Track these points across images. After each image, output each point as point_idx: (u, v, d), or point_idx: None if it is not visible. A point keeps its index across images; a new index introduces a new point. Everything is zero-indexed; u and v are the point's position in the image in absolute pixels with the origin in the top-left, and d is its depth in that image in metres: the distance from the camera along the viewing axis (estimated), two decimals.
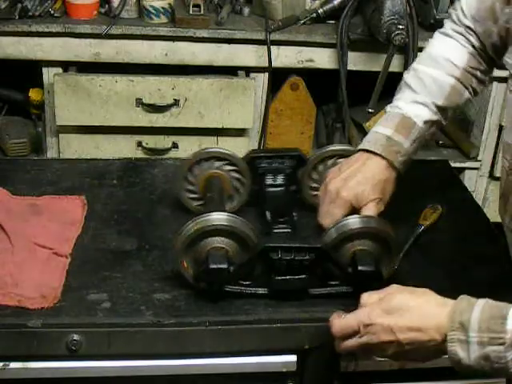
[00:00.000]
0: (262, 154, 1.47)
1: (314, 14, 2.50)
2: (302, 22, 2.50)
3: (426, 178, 1.63)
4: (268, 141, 2.66)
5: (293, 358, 1.25)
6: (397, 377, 1.28)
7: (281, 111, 2.65)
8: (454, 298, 1.14)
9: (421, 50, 2.41)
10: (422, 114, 1.38)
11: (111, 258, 1.34)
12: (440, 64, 1.39)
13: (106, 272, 1.30)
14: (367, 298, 1.12)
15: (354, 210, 1.33)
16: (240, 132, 2.54)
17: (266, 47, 2.42)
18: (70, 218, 1.43)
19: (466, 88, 1.39)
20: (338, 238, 1.25)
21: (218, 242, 1.23)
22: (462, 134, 2.77)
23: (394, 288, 1.11)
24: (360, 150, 1.39)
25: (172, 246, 1.25)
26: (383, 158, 1.35)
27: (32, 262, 1.30)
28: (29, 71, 2.47)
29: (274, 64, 2.46)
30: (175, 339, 1.21)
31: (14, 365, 1.19)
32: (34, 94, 2.51)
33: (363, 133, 2.77)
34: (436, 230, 1.46)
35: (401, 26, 2.27)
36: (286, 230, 1.37)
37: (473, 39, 1.37)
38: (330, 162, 1.46)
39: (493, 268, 1.35)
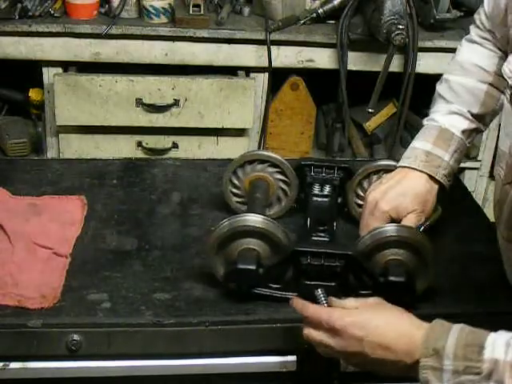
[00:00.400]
0: (312, 163, 1.47)
1: (314, 14, 2.51)
2: (302, 22, 2.50)
3: None
4: (268, 141, 2.66)
5: (293, 358, 1.24)
6: (397, 377, 1.28)
7: (281, 111, 2.66)
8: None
9: (421, 50, 2.47)
10: (458, 125, 1.38)
11: (111, 258, 1.34)
12: (470, 71, 1.39)
13: (106, 272, 1.30)
14: (346, 300, 1.10)
15: (394, 222, 1.31)
16: (240, 132, 2.54)
17: (266, 47, 2.43)
18: (70, 218, 1.43)
19: (501, 92, 1.39)
20: (371, 245, 1.23)
21: (250, 243, 1.23)
22: None
23: (375, 300, 1.09)
24: (400, 167, 1.38)
25: (204, 243, 1.26)
26: (424, 172, 1.35)
27: (32, 262, 1.30)
28: (29, 71, 2.47)
29: (274, 64, 2.46)
30: (175, 339, 1.21)
31: (13, 365, 1.19)
32: (33, 94, 2.52)
33: (363, 133, 2.78)
34: (436, 229, 1.46)
35: (401, 26, 2.27)
36: (323, 239, 1.36)
37: (499, 43, 1.37)
38: (375, 177, 1.44)
39: (493, 268, 1.35)
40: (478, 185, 2.73)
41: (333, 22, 2.52)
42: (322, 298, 1.14)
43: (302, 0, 2.53)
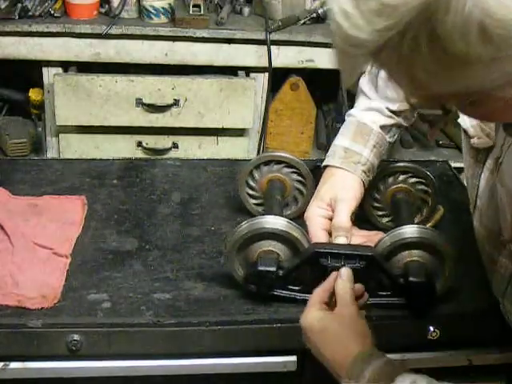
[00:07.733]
0: None
1: (314, 14, 2.51)
2: (302, 22, 2.50)
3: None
4: (268, 141, 2.66)
5: (293, 358, 1.24)
6: None
7: (281, 111, 2.66)
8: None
9: None
10: (377, 120, 1.37)
11: (111, 258, 1.34)
12: None
13: (106, 272, 1.30)
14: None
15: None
16: (240, 132, 2.54)
17: (266, 47, 2.43)
18: (70, 218, 1.43)
19: None
20: (391, 246, 1.22)
21: (270, 245, 1.23)
22: None
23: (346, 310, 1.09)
24: (324, 167, 1.38)
25: (224, 245, 1.26)
26: (343, 169, 1.34)
27: (32, 262, 1.29)
28: (29, 71, 2.47)
29: (274, 64, 2.46)
30: (175, 339, 1.21)
31: (13, 365, 1.19)
32: (34, 94, 2.52)
33: None
34: (436, 229, 1.46)
35: None
36: None
37: None
38: (390, 179, 1.43)
39: None
40: None
41: None
42: None
43: (301, 0, 2.54)
